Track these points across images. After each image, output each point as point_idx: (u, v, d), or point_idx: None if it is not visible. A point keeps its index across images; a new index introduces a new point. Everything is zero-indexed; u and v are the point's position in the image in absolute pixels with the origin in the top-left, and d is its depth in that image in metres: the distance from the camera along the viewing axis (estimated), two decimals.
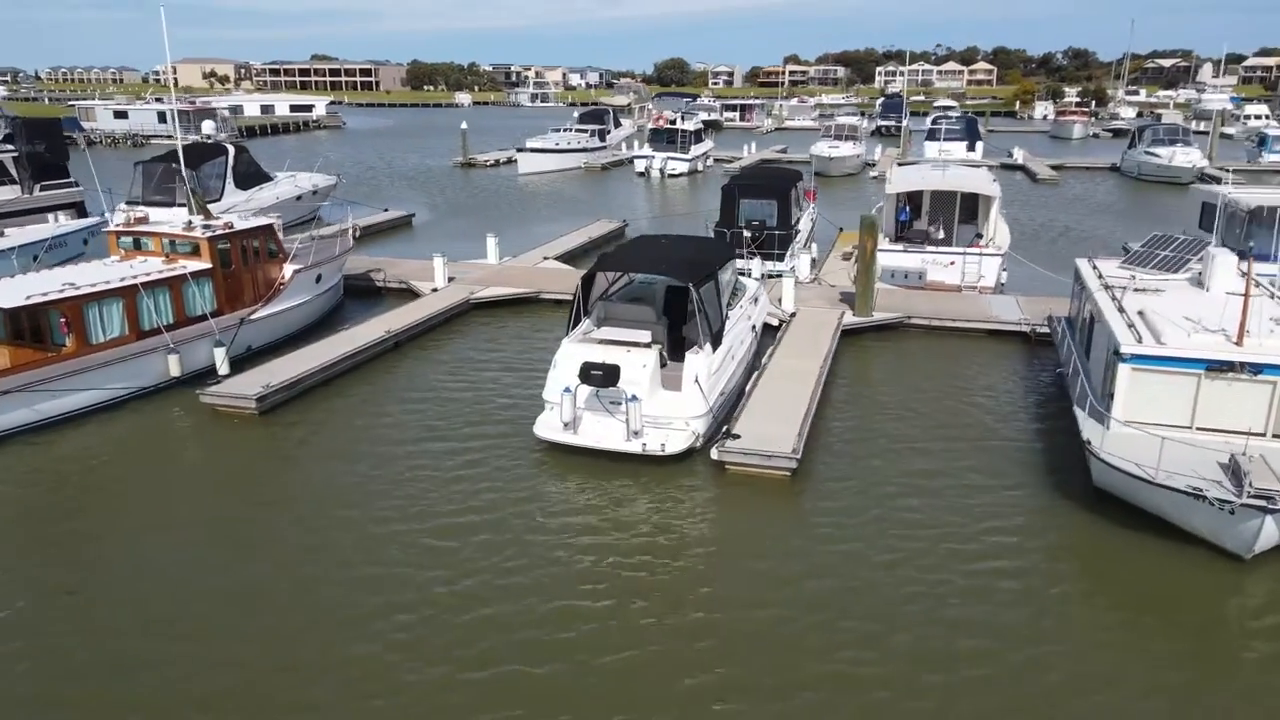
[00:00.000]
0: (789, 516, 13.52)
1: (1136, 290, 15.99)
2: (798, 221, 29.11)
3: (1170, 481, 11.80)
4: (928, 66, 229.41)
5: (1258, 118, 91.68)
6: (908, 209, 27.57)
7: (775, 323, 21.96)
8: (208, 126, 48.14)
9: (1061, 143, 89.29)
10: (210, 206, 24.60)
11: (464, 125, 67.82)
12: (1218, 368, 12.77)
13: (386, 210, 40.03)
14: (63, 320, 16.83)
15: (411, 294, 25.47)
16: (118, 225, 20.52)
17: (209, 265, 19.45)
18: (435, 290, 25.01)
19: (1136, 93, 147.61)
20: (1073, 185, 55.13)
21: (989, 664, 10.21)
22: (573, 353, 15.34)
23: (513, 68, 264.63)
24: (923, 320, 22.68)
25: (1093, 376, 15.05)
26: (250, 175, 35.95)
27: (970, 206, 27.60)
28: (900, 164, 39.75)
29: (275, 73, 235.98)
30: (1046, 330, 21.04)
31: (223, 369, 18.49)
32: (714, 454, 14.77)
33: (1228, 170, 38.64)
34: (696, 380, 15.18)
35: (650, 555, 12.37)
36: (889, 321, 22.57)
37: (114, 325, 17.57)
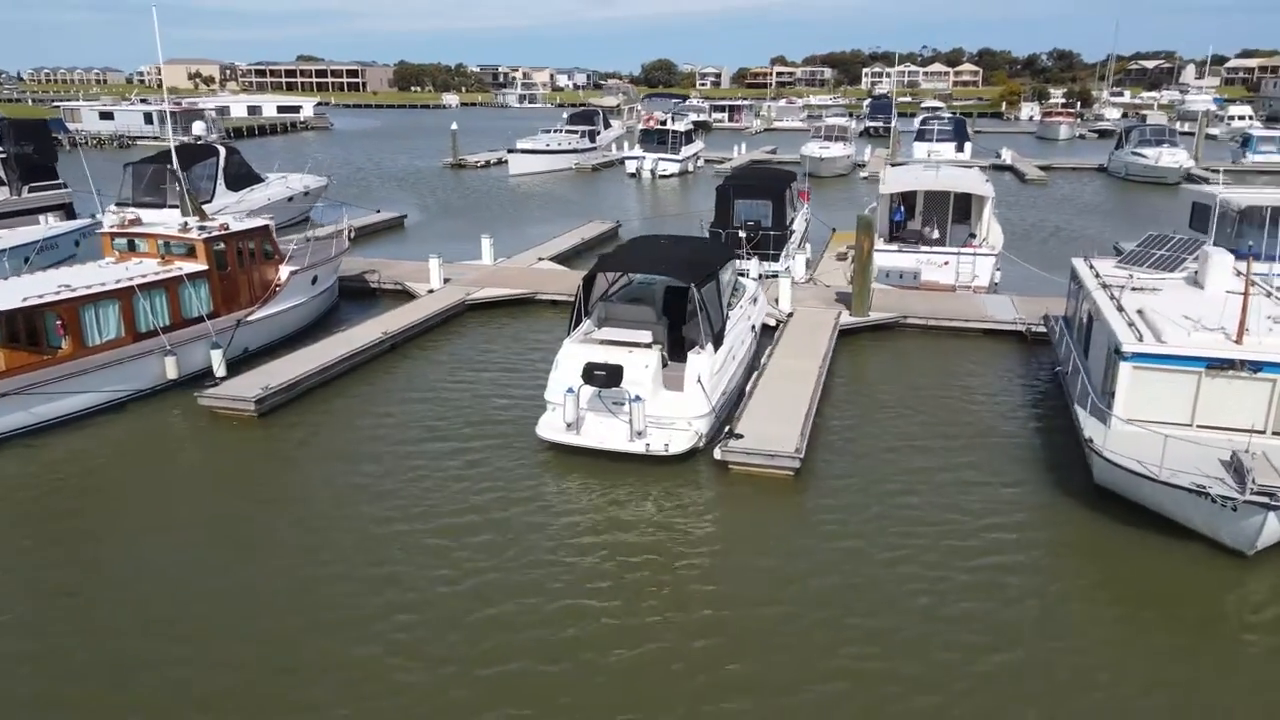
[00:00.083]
0: (793, 515, 13.56)
1: (1134, 289, 16.11)
2: (792, 222, 29.18)
3: (1173, 479, 11.90)
4: (914, 68, 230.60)
5: (1241, 118, 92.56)
6: (902, 209, 27.68)
7: (772, 323, 22.01)
8: (198, 127, 47.91)
9: (1048, 143, 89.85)
10: (202, 208, 24.43)
11: (454, 126, 67.70)
12: (1218, 366, 12.88)
13: (379, 211, 39.90)
14: (59, 322, 16.70)
15: (407, 295, 25.40)
16: (112, 227, 20.36)
17: (205, 267, 19.33)
18: (431, 291, 24.94)
19: (1121, 94, 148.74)
20: (1061, 186, 55.50)
21: (993, 659, 10.27)
22: (575, 353, 15.33)
23: (500, 69, 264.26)
24: (919, 320, 22.78)
25: (1092, 375, 15.15)
26: (241, 177, 35.78)
27: (963, 207, 27.74)
28: (892, 165, 39.91)
29: (261, 73, 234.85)
30: (1042, 330, 21.17)
31: (220, 371, 18.38)
32: (717, 454, 14.79)
33: (1218, 171, 38.98)
34: (699, 380, 15.19)
35: (655, 554, 12.38)
36: (885, 321, 22.66)
37: (110, 327, 17.44)
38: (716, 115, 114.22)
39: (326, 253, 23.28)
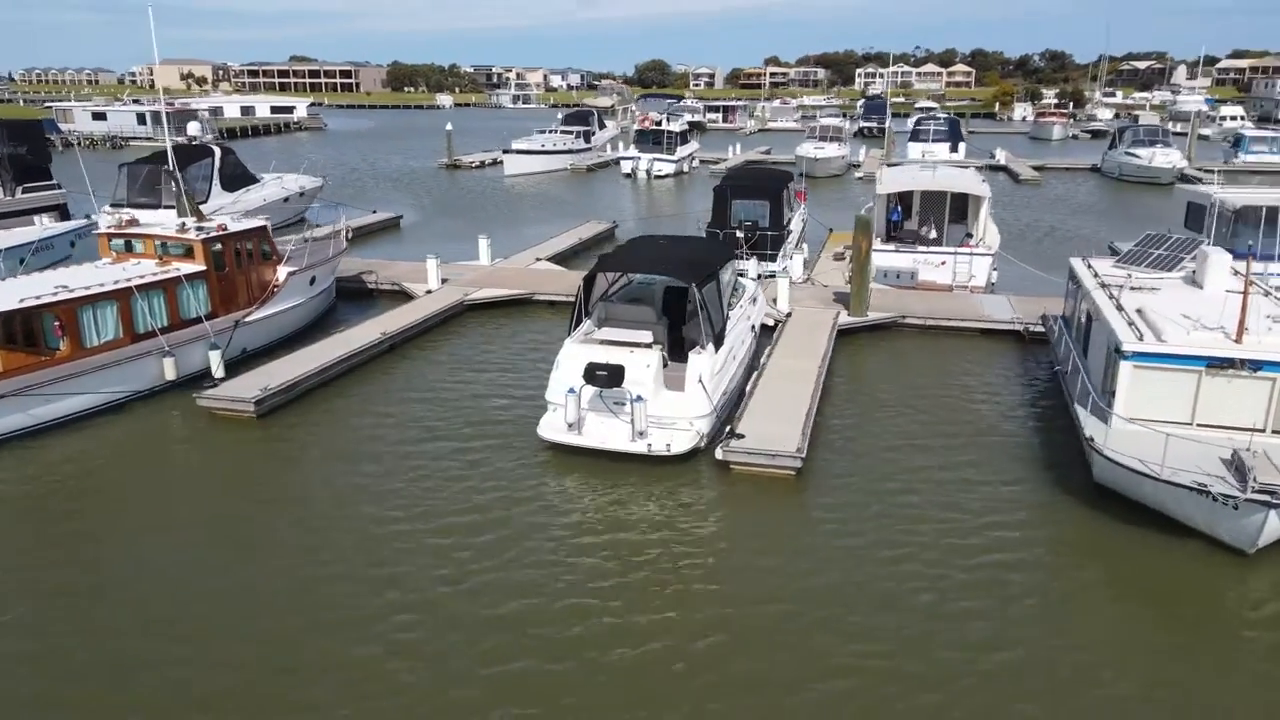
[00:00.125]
0: (795, 514, 13.59)
1: (1133, 289, 16.17)
2: (789, 222, 29.23)
3: (1175, 477, 11.94)
4: (907, 68, 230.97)
5: (1233, 119, 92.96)
6: (899, 209, 27.74)
7: (771, 323, 22.03)
8: (193, 128, 47.70)
9: (1041, 144, 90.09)
10: (199, 209, 24.34)
11: (449, 127, 67.58)
12: (1218, 365, 12.94)
13: (375, 212, 39.82)
14: (57, 323, 16.62)
15: (404, 296, 25.36)
16: (109, 227, 20.28)
17: (203, 267, 19.27)
18: (429, 292, 24.91)
19: (1113, 94, 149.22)
20: (1055, 186, 55.68)
21: (994, 657, 10.32)
22: (576, 353, 15.33)
23: (494, 69, 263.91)
24: (917, 320, 22.82)
25: (1092, 374, 15.20)
26: (236, 177, 35.70)
27: (960, 207, 27.80)
28: (888, 165, 39.99)
29: (254, 74, 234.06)
30: (1039, 329, 21.23)
31: (218, 372, 18.30)
32: (719, 454, 14.80)
33: (1214, 171, 39.15)
34: (700, 380, 15.20)
35: (659, 553, 12.38)
36: (883, 321, 22.70)
37: (108, 328, 17.37)
38: (711, 116, 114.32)
39: (324, 253, 23.24)
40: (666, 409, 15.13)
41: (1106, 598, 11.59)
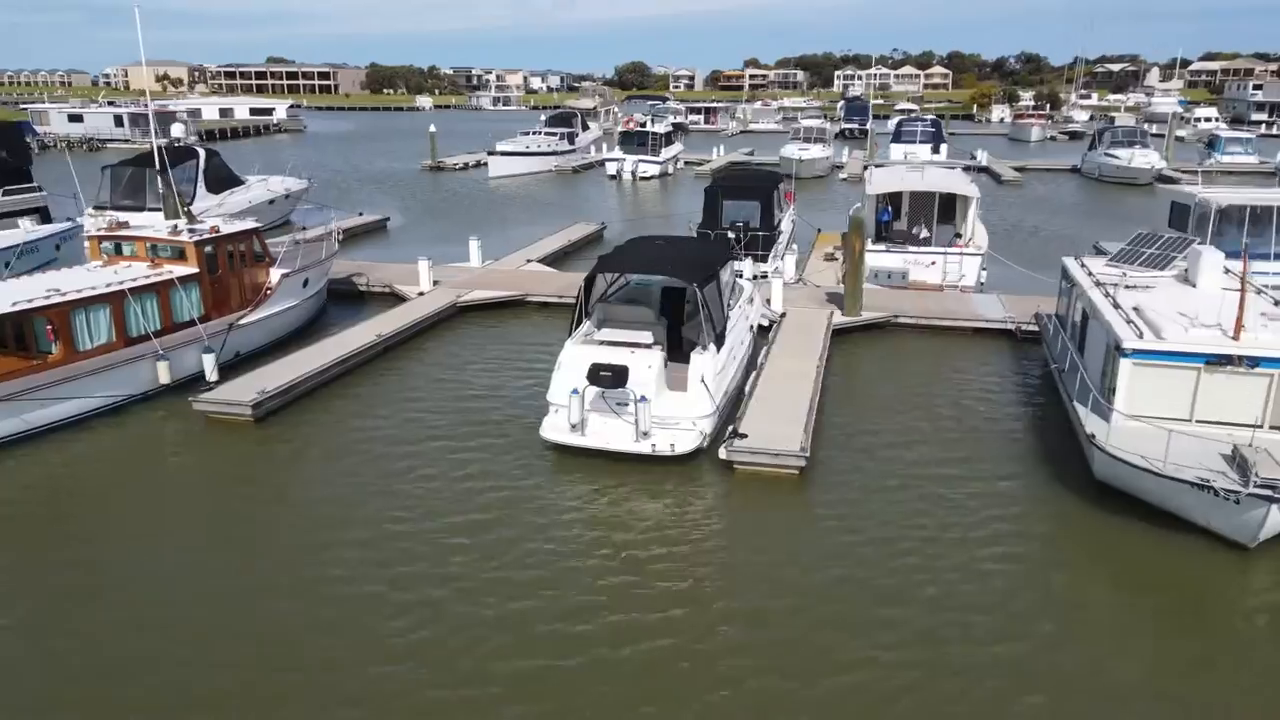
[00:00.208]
0: (799, 512, 13.66)
1: (1128, 287, 16.36)
2: (780, 223, 29.33)
3: (1177, 473, 12.10)
4: (885, 70, 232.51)
5: (1208, 120, 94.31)
6: (889, 210, 27.91)
7: (766, 323, 22.10)
8: (177, 129, 47.25)
9: (1020, 145, 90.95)
10: (190, 210, 24.10)
11: (432, 128, 67.26)
12: (1216, 361, 13.12)
13: (361, 214, 39.58)
14: (49, 327, 16.39)
15: (396, 298, 25.23)
16: (100, 230, 20.03)
17: (195, 270, 19.07)
18: (421, 294, 24.79)
19: (1088, 96, 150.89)
20: (1036, 186, 56.26)
21: (1001, 648, 10.44)
22: (579, 354, 15.31)
23: (473, 70, 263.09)
24: (910, 319, 22.98)
25: (1090, 372, 15.36)
26: (222, 179, 35.36)
27: (948, 207, 28.03)
28: (876, 166, 40.23)
29: (230, 75, 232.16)
30: (1032, 328, 21.44)
31: (212, 376, 18.11)
32: (722, 453, 14.83)
33: (1196, 171, 39.67)
34: (703, 380, 15.23)
35: (666, 551, 12.40)
36: (877, 321, 22.84)
37: (101, 332, 17.15)
38: (693, 117, 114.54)
39: (316, 255, 23.06)
40: (669, 409, 15.14)
41: (1108, 590, 11.75)
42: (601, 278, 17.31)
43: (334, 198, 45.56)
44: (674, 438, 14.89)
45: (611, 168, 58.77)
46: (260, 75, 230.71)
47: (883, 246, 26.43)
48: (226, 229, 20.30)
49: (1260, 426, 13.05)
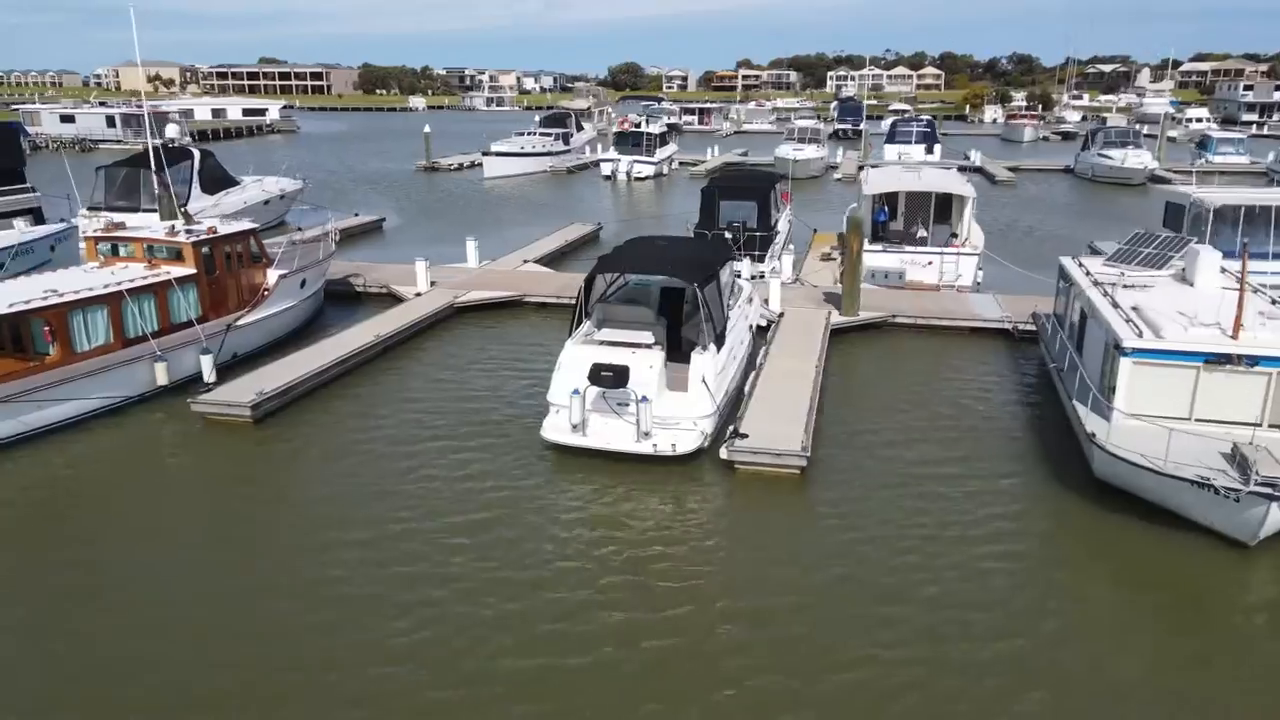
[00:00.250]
0: (801, 511, 13.69)
1: (1126, 287, 16.43)
2: (777, 223, 29.36)
3: (1178, 471, 12.15)
4: (877, 71, 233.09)
5: (1199, 120, 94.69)
6: (885, 210, 27.97)
7: (764, 323, 22.13)
8: (172, 130, 47.08)
9: (1013, 145, 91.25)
10: (187, 211, 24.02)
11: (427, 129, 67.11)
12: (1216, 360, 13.18)
13: (357, 215, 39.51)
14: (46, 328, 16.32)
15: (393, 298, 25.18)
16: (97, 230, 19.95)
17: (193, 271, 19.00)
18: (419, 295, 24.75)
19: (1080, 97, 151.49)
20: (1029, 187, 56.44)
21: (1001, 645, 10.48)
22: (580, 354, 15.30)
23: (466, 71, 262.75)
24: (907, 319, 23.03)
25: (1089, 371, 15.41)
26: (217, 180, 35.25)
27: (944, 207, 28.10)
28: (871, 166, 40.33)
29: (223, 75, 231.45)
30: (1029, 327, 21.51)
31: (210, 377, 18.05)
32: (723, 453, 14.84)
33: (1190, 172, 39.88)
34: (704, 380, 15.24)
35: (668, 550, 12.41)
36: (875, 320, 22.89)
37: (99, 333, 17.08)
38: (687, 118, 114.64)
39: (314, 256, 23.01)
40: (670, 409, 15.14)
41: (1108, 587, 11.81)
42: (601, 278, 17.31)
43: (329, 198, 45.45)
44: (675, 438, 14.90)
45: (606, 168, 58.79)
46: (252, 76, 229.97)
47: (879, 246, 26.47)
48: (224, 230, 20.23)
49: (1260, 425, 13.12)
